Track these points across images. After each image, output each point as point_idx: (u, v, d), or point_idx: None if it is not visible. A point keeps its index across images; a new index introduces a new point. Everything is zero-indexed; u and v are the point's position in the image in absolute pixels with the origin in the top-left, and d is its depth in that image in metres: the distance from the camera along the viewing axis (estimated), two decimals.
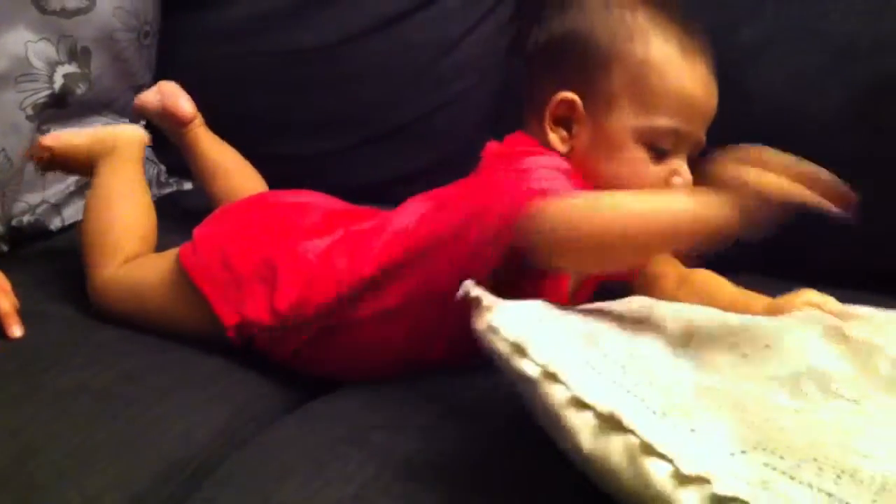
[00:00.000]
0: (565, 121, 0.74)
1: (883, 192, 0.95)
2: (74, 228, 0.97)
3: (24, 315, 0.84)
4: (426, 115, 1.16)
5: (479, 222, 0.70)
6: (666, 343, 0.61)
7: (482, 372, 0.62)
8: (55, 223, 1.10)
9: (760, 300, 0.74)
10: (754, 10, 0.98)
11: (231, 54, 1.22)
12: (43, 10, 1.08)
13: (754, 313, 0.67)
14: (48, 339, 0.83)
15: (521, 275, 0.69)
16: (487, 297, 0.58)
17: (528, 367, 0.55)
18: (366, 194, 0.98)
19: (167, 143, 1.12)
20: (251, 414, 0.79)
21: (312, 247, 0.80)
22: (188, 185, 1.24)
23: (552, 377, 0.54)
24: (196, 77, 1.17)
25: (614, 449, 0.52)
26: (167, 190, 1.24)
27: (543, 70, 0.76)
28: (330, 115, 1.19)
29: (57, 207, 1.11)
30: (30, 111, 1.08)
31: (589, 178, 0.72)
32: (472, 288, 0.58)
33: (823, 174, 0.63)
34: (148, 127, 1.22)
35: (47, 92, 1.09)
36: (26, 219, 1.09)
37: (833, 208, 0.60)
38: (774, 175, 0.60)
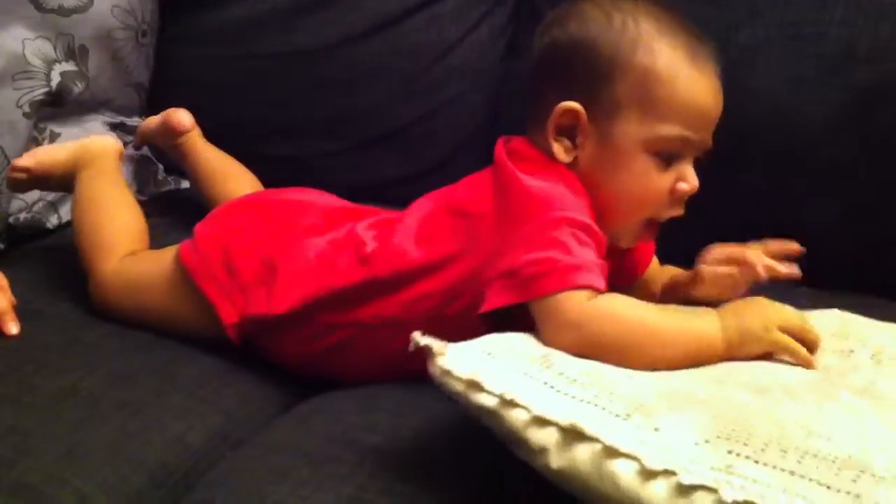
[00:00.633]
0: (569, 131, 0.73)
1: (879, 195, 0.95)
2: (71, 226, 0.96)
3: (19, 313, 0.84)
4: (423, 117, 1.16)
5: (490, 271, 0.69)
6: None
7: None
8: (52, 221, 1.10)
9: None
10: (752, 13, 0.98)
11: (228, 55, 1.22)
12: (41, 8, 1.08)
13: None
14: (42, 339, 0.83)
15: None
16: (436, 344, 0.59)
17: (486, 399, 0.57)
18: (363, 196, 0.98)
19: None
20: (245, 415, 0.79)
21: (312, 245, 0.80)
22: (186, 184, 1.24)
23: (511, 403, 0.56)
24: (193, 77, 1.17)
25: (581, 458, 0.53)
26: (165, 188, 1.24)
27: (546, 80, 0.75)
28: (327, 117, 1.19)
29: (54, 205, 1.11)
30: (27, 109, 1.07)
31: (594, 188, 0.72)
32: (420, 338, 0.60)
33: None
34: None
35: (44, 90, 1.09)
36: (23, 216, 1.09)
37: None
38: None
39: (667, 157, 0.72)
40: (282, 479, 0.64)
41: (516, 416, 0.56)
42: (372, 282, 0.76)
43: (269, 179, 1.06)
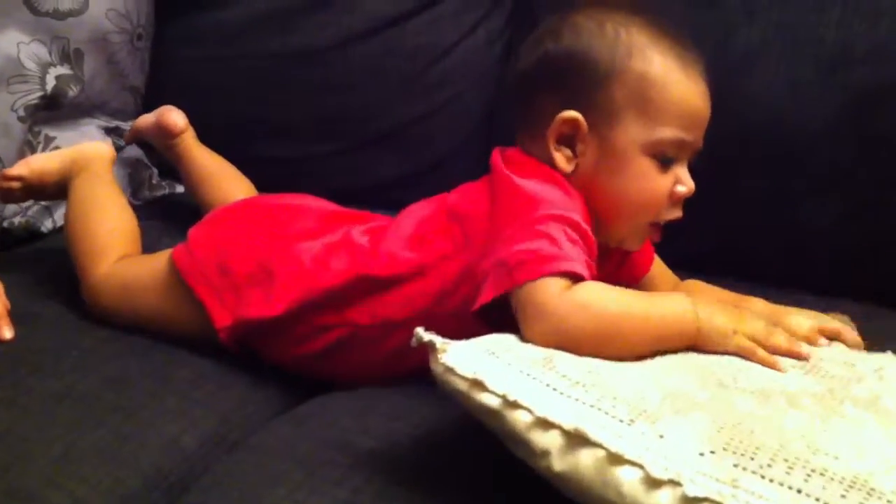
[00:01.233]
0: (568, 140, 0.74)
1: (878, 197, 0.95)
2: (64, 230, 0.96)
3: (14, 316, 0.84)
4: (420, 119, 1.16)
5: (483, 266, 0.69)
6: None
7: None
8: (47, 224, 1.10)
9: (755, 301, 0.78)
10: (750, 18, 0.98)
11: (224, 57, 1.22)
12: (36, 12, 1.08)
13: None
14: (37, 342, 0.83)
15: None
16: (439, 340, 0.59)
17: (489, 399, 0.57)
18: (359, 198, 0.98)
19: None
20: (240, 417, 0.78)
21: (307, 248, 0.80)
22: (180, 188, 1.23)
23: (514, 405, 0.56)
24: (189, 79, 1.17)
25: (584, 464, 0.53)
26: (159, 192, 1.24)
27: (540, 90, 0.75)
28: (324, 119, 1.19)
29: (48, 209, 1.10)
30: (22, 112, 1.07)
31: (597, 194, 0.73)
32: (423, 333, 0.59)
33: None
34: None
35: (39, 93, 1.08)
36: (18, 220, 1.08)
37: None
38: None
39: (665, 160, 0.73)
40: (277, 483, 0.64)
41: (519, 418, 0.56)
42: (365, 280, 0.76)
43: (266, 181, 1.05)
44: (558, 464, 0.54)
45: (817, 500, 0.49)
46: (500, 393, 0.56)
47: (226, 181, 1.05)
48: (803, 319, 0.72)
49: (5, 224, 1.07)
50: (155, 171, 1.24)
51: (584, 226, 0.69)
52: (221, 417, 0.77)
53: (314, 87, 1.18)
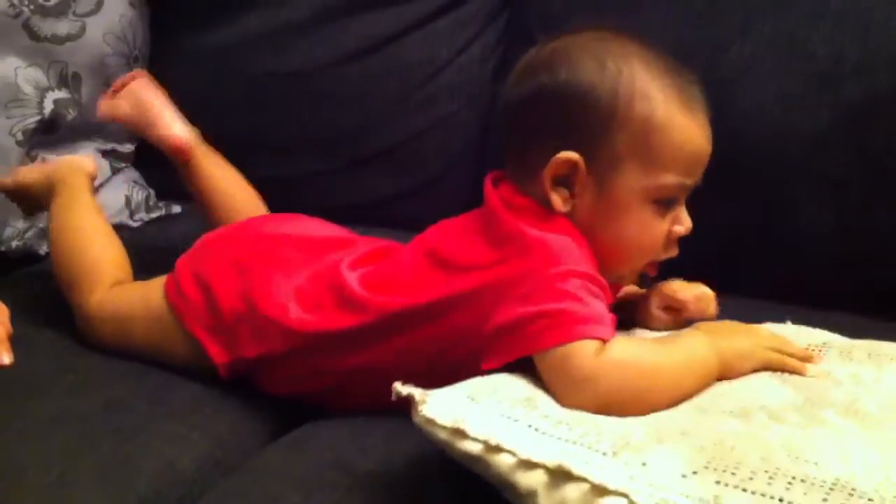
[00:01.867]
0: (565, 179, 0.71)
1: (868, 211, 0.95)
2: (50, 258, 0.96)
3: (11, 339, 0.84)
4: (414, 137, 1.16)
5: (496, 322, 0.67)
6: None
7: None
8: (44, 248, 1.10)
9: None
10: (742, 30, 0.99)
11: (219, 77, 1.22)
12: (35, 37, 1.08)
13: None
14: (34, 365, 0.83)
15: None
16: (418, 392, 0.59)
17: (471, 446, 0.57)
18: (354, 215, 0.98)
19: (155, 166, 1.12)
20: (237, 441, 0.78)
21: (291, 281, 0.79)
22: (177, 209, 1.24)
23: (496, 449, 0.56)
24: (184, 99, 1.17)
25: (570, 498, 0.53)
26: (156, 213, 1.24)
27: (536, 126, 0.72)
28: (319, 137, 1.19)
29: (46, 232, 1.10)
30: (20, 137, 1.08)
31: (593, 236, 0.71)
32: (401, 388, 0.59)
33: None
34: (138, 148, 1.22)
35: (37, 118, 1.09)
36: (15, 243, 1.09)
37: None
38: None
39: (665, 203, 0.72)
40: None
41: (503, 461, 0.56)
42: (363, 328, 0.74)
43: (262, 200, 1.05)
44: (546, 502, 0.54)
45: None
46: (482, 438, 0.56)
47: (233, 197, 1.02)
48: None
49: (3, 248, 1.07)
50: (152, 192, 1.25)
51: (600, 278, 0.68)
52: (219, 440, 0.77)
53: (309, 105, 1.18)
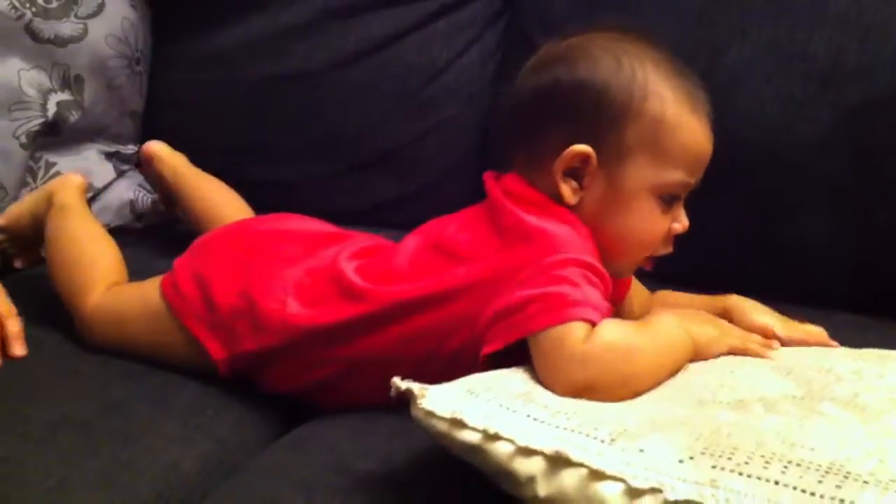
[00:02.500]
0: (575, 172, 0.73)
1: (867, 214, 0.95)
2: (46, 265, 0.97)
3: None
4: (414, 139, 1.17)
5: (494, 308, 0.69)
6: None
7: None
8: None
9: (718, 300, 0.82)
10: (741, 33, 0.99)
11: (218, 80, 1.23)
12: (37, 39, 1.09)
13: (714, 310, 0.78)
14: (35, 368, 0.83)
15: None
16: (417, 386, 0.60)
17: (470, 436, 0.57)
18: (354, 219, 0.99)
19: None
20: (238, 442, 0.78)
21: (290, 275, 0.80)
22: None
23: (495, 437, 0.57)
24: (185, 102, 1.18)
25: (568, 484, 0.54)
26: (160, 216, 1.24)
27: (549, 119, 0.74)
28: (318, 141, 1.20)
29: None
30: (23, 139, 1.08)
31: (597, 228, 0.73)
32: (400, 382, 0.60)
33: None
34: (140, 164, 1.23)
35: (41, 120, 1.09)
36: None
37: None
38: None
39: (668, 200, 0.74)
40: None
41: (501, 449, 0.56)
42: (364, 318, 0.75)
43: (260, 203, 1.06)
44: (543, 488, 0.54)
45: (794, 488, 0.50)
46: (481, 428, 0.57)
47: (220, 204, 1.04)
48: (768, 318, 0.77)
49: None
50: (156, 195, 1.25)
51: (601, 268, 0.69)
52: (220, 442, 0.77)
53: (308, 109, 1.18)
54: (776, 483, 0.50)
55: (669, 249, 0.77)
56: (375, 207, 1.17)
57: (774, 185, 0.98)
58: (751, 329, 0.75)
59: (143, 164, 1.09)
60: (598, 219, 0.73)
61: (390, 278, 0.76)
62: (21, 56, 1.08)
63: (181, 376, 0.83)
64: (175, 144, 1.11)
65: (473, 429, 0.57)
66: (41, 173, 1.12)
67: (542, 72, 0.75)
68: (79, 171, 1.14)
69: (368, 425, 0.75)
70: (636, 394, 0.63)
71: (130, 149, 1.24)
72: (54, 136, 1.12)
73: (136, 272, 0.93)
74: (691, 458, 0.53)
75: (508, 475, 0.56)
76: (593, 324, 0.65)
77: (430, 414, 0.59)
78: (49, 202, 0.97)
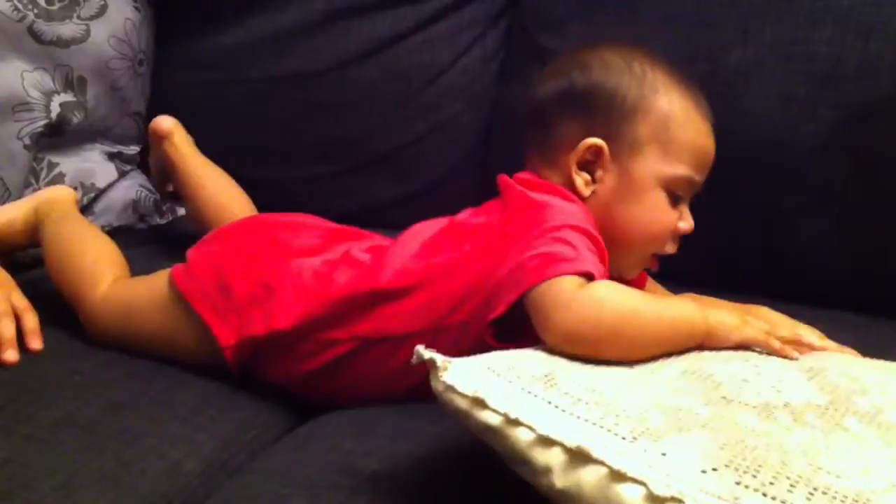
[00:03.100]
0: (588, 165, 0.77)
1: (869, 214, 0.95)
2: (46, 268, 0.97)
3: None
4: (416, 140, 1.17)
5: (499, 275, 0.70)
6: (631, 370, 0.62)
7: None
8: None
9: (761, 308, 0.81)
10: (743, 33, 0.99)
11: (220, 80, 1.23)
12: (39, 41, 1.09)
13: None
14: (39, 368, 0.83)
15: None
16: (440, 358, 0.59)
17: (490, 418, 0.57)
18: (356, 219, 0.98)
19: None
20: (242, 442, 0.78)
21: (308, 264, 0.81)
22: (183, 211, 1.24)
23: (515, 422, 0.56)
24: (186, 102, 1.18)
25: (586, 481, 0.53)
26: (163, 217, 1.25)
27: (563, 116, 0.79)
28: (320, 141, 1.20)
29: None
30: (27, 141, 1.08)
31: (609, 220, 0.76)
32: (423, 351, 0.59)
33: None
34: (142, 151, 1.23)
35: (44, 121, 1.10)
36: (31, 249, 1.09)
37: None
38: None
39: (675, 196, 0.78)
40: None
41: (520, 436, 0.55)
42: (370, 293, 0.77)
43: (263, 203, 1.06)
44: (560, 481, 0.53)
45: None
46: (502, 411, 0.56)
47: (213, 187, 1.05)
48: (804, 330, 0.75)
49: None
50: (158, 196, 1.25)
51: (599, 238, 0.72)
52: (223, 442, 0.77)
53: (310, 109, 1.19)
54: None
55: (675, 249, 0.79)
56: (376, 209, 1.17)
57: (776, 184, 0.98)
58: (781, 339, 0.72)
59: (151, 141, 1.08)
60: (609, 210, 0.77)
61: (402, 256, 0.78)
62: (24, 58, 1.08)
63: (185, 376, 0.83)
64: None
65: (494, 411, 0.56)
66: (44, 174, 1.12)
67: (556, 77, 0.81)
68: (81, 171, 1.15)
69: (372, 426, 0.75)
70: (627, 357, 0.63)
71: (133, 149, 1.24)
72: (57, 137, 1.12)
73: (139, 272, 0.93)
74: (714, 469, 0.51)
75: (525, 462, 0.55)
76: (589, 277, 0.66)
77: (451, 388, 0.58)
78: (43, 212, 0.98)
